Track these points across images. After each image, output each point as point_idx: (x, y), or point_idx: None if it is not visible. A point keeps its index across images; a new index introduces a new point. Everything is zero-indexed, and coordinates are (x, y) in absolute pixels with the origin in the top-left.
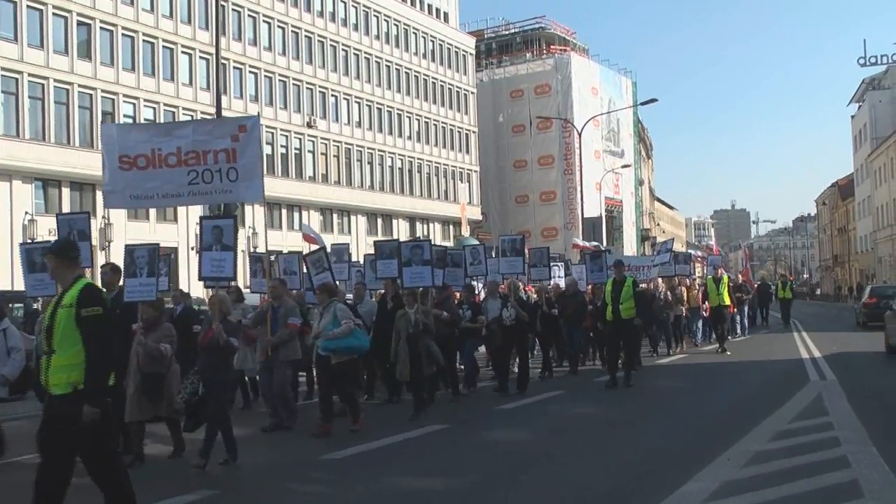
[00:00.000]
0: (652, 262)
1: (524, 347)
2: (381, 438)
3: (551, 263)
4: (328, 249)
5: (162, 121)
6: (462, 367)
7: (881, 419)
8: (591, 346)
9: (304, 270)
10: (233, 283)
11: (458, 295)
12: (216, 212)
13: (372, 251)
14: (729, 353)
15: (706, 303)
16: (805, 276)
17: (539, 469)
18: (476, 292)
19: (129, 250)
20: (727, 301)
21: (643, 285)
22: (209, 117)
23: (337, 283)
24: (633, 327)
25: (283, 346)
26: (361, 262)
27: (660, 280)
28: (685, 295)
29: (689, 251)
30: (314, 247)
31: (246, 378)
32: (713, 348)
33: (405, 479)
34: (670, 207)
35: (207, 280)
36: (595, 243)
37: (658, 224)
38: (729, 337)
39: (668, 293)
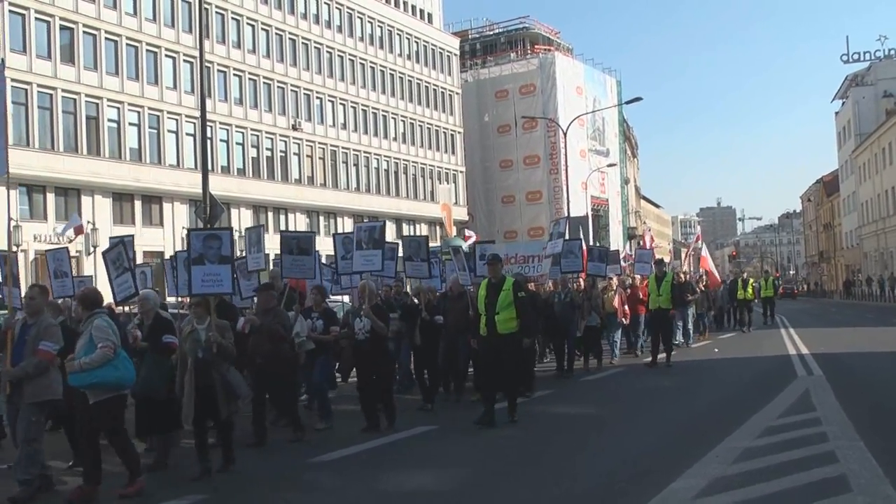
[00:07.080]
0: (543, 249)
1: (385, 369)
2: (370, 441)
3: (431, 258)
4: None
5: (147, 127)
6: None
7: (868, 414)
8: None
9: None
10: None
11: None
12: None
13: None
14: (716, 349)
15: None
16: (791, 272)
17: (528, 469)
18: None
19: None
20: (668, 303)
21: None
22: (195, 121)
23: (138, 287)
24: (514, 345)
25: (29, 381)
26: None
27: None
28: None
29: (616, 249)
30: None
31: None
32: (644, 362)
33: (396, 480)
34: (656, 206)
35: None
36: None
37: (644, 222)
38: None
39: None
